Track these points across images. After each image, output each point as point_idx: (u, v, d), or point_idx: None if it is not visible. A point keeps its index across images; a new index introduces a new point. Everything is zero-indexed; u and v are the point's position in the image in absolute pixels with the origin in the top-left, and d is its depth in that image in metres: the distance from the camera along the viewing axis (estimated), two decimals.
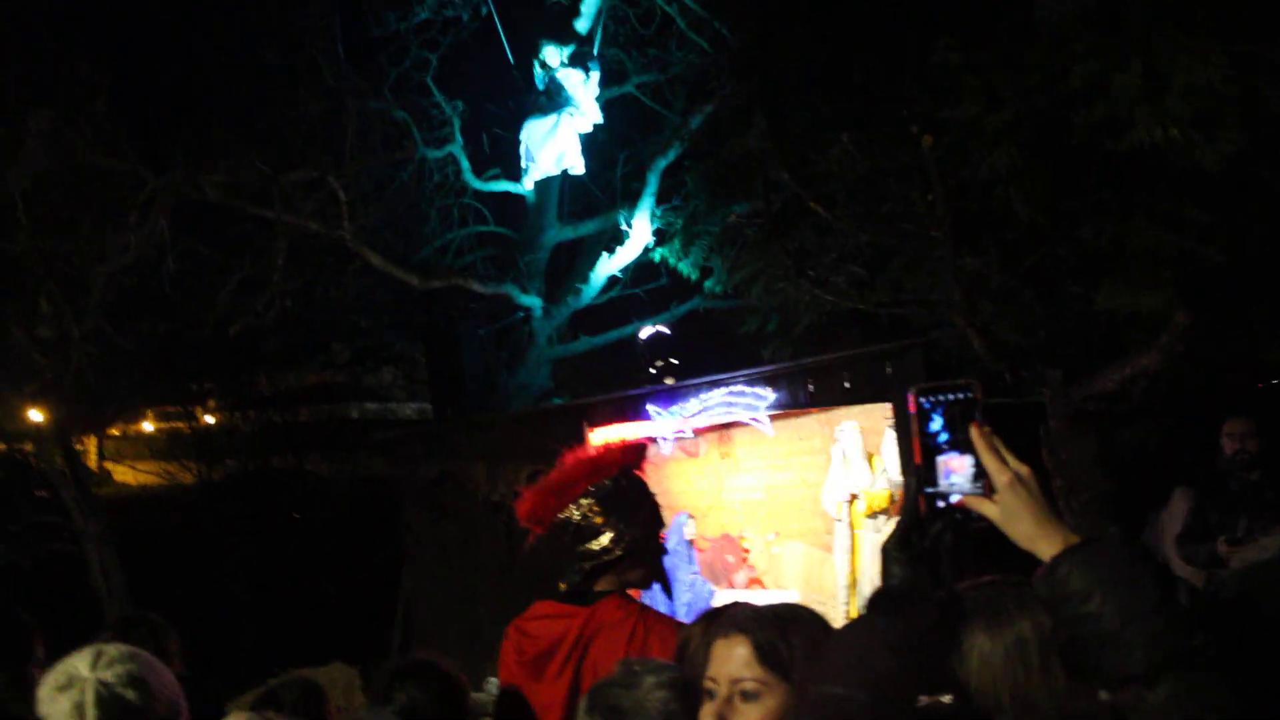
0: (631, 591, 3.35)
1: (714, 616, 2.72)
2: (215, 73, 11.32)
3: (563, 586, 3.29)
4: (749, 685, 1.89)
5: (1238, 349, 6.71)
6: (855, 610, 9.29)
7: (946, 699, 1.83)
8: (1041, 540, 1.65)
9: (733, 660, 1.91)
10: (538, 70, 11.92)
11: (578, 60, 11.92)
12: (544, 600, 3.35)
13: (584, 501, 3.31)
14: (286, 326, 11.24)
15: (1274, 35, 4.63)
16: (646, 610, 3.21)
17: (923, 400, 1.74)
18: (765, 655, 1.90)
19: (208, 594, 14.16)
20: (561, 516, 3.32)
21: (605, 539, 3.25)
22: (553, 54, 11.79)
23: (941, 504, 1.72)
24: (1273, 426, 6.31)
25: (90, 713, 2.21)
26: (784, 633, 1.95)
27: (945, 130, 5.81)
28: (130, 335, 10.36)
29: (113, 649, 2.33)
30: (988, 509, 1.68)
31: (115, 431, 28.42)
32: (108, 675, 2.25)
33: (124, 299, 10.36)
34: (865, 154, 6.55)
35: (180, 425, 24.08)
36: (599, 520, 3.27)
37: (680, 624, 3.16)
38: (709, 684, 1.94)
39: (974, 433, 1.70)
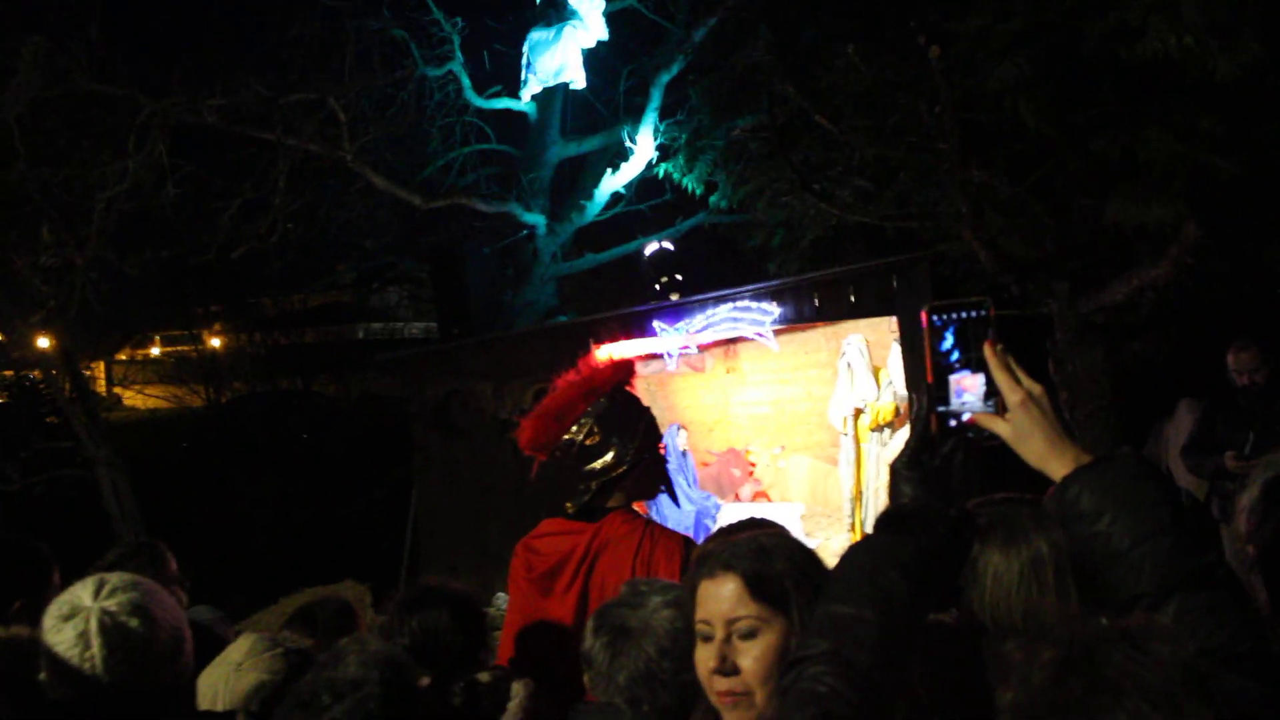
0: (638, 505, 3.40)
1: (728, 532, 2.74)
2: None
3: (570, 507, 3.33)
4: (746, 623, 1.84)
5: (1247, 261, 6.66)
6: (860, 522, 9.39)
7: (947, 617, 1.84)
8: (1053, 459, 1.64)
9: (724, 599, 1.86)
10: None
11: None
12: (552, 518, 3.39)
13: (583, 422, 3.34)
14: (290, 249, 11.19)
15: None
16: (652, 524, 3.26)
17: (935, 318, 1.71)
18: (758, 590, 1.85)
19: (218, 516, 14.31)
20: (564, 439, 3.35)
21: (609, 456, 3.29)
22: None
23: (953, 423, 1.71)
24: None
25: (95, 641, 2.24)
26: (771, 563, 1.89)
27: (953, 41, 5.71)
28: (134, 261, 10.33)
29: (115, 578, 2.35)
30: (999, 427, 1.67)
31: (123, 356, 28.52)
32: (111, 604, 2.27)
33: (126, 225, 10.30)
34: (871, 66, 6.44)
35: (187, 349, 24.17)
36: (599, 439, 3.31)
37: (686, 538, 3.21)
38: (702, 627, 1.89)
39: (987, 351, 1.68)
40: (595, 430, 3.34)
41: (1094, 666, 1.21)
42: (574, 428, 3.36)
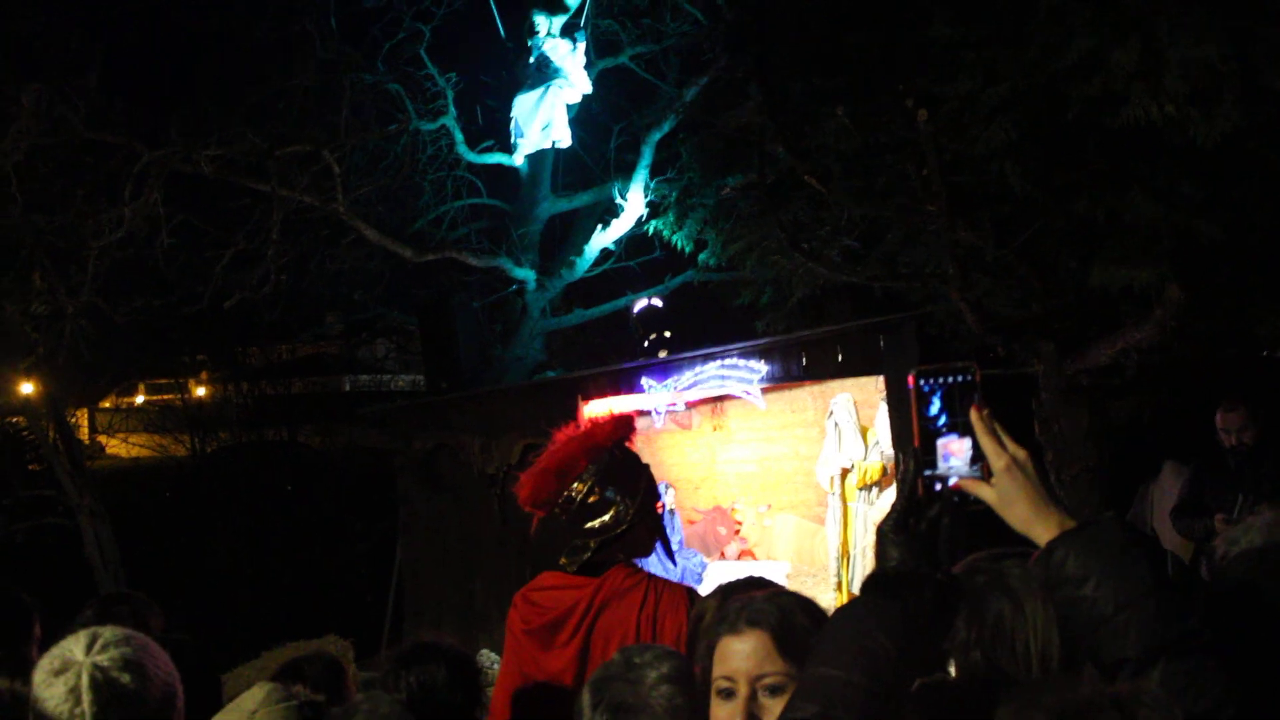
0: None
1: (729, 590, 2.74)
2: (209, 46, 11.28)
3: (566, 563, 3.31)
4: (774, 679, 1.83)
5: (1231, 324, 6.73)
6: (846, 582, 9.35)
7: (946, 674, 1.84)
8: (1038, 524, 1.64)
9: (750, 655, 1.84)
10: (531, 41, 11.85)
11: (566, 31, 11.85)
12: (550, 572, 3.38)
13: (584, 479, 3.33)
14: (281, 300, 11.21)
15: (1271, 12, 4.63)
16: (655, 578, 3.25)
17: (922, 382, 1.73)
18: (785, 646, 1.84)
19: (201, 566, 14.19)
20: (565, 496, 3.34)
21: (609, 515, 3.28)
22: (542, 24, 11.71)
23: (939, 487, 1.72)
24: (1267, 402, 6.31)
25: (85, 697, 2.21)
26: (795, 619, 1.89)
27: (940, 104, 5.80)
28: (124, 309, 10.33)
29: (108, 632, 2.33)
30: (984, 492, 1.68)
31: (107, 404, 28.40)
32: (103, 659, 2.25)
33: (118, 273, 10.32)
34: (860, 128, 6.53)
35: (173, 398, 24.07)
36: (600, 497, 3.30)
37: (690, 589, 3.20)
38: (723, 683, 1.86)
39: (973, 415, 1.70)
40: (596, 488, 3.33)
41: None
42: (575, 485, 3.35)
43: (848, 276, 7.66)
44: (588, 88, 11.82)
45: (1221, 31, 4.51)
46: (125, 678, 2.25)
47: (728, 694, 1.86)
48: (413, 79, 12.02)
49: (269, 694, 2.30)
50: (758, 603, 1.92)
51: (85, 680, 2.22)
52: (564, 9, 11.92)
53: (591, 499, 3.31)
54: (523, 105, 11.65)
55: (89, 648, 2.26)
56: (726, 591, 2.73)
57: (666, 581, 3.25)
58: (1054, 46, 5.06)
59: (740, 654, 1.86)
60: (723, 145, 8.93)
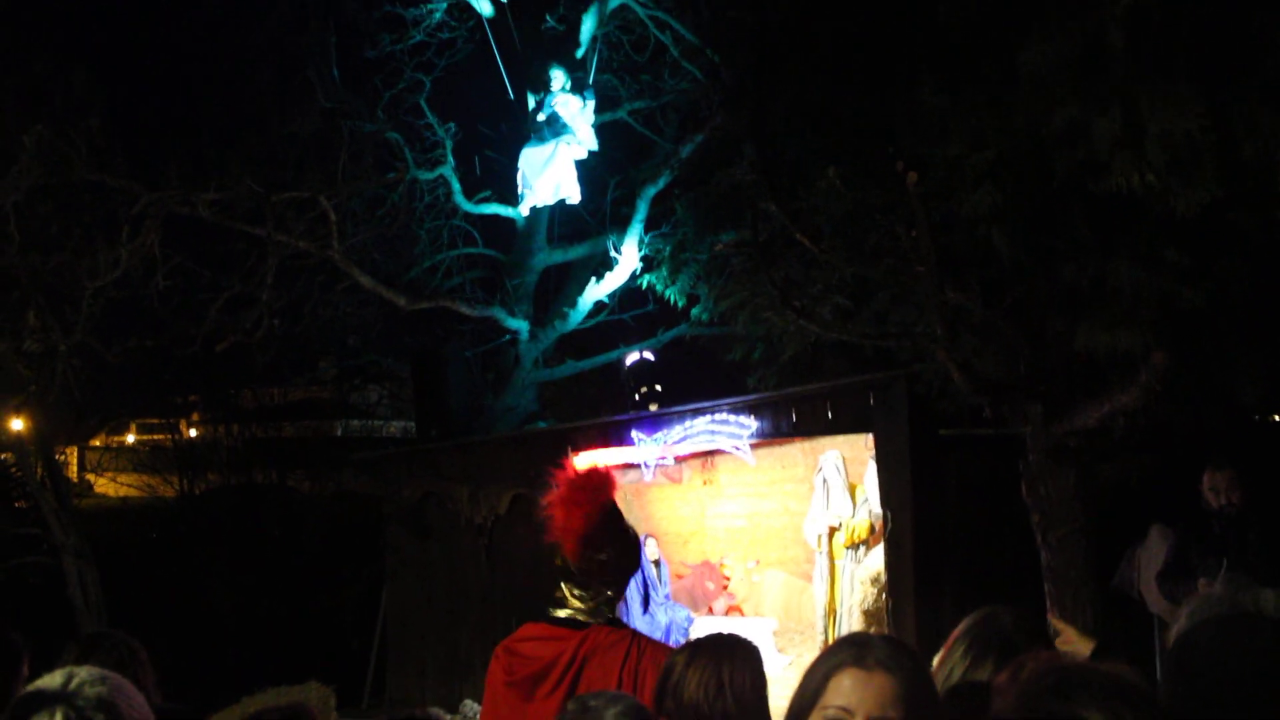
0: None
1: (698, 647, 2.76)
2: (210, 92, 11.42)
3: (556, 613, 3.32)
4: None
5: (1216, 389, 6.77)
6: (832, 639, 9.31)
7: None
8: None
9: (876, 694, 1.86)
10: (537, 96, 11.99)
11: (575, 87, 12.01)
12: (533, 623, 3.39)
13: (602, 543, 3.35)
14: (274, 344, 11.24)
15: (1249, 86, 4.72)
16: (639, 634, 3.28)
17: None
18: (911, 697, 1.87)
19: (186, 608, 14.09)
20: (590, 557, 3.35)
21: (602, 587, 3.32)
22: (558, 78, 11.86)
23: None
24: (1254, 466, 6.35)
25: None
26: (923, 675, 1.93)
27: (930, 168, 5.89)
28: (117, 349, 10.36)
29: (84, 671, 2.32)
30: None
31: (97, 442, 28.29)
32: (78, 699, 2.25)
33: (112, 313, 10.36)
34: (852, 188, 6.62)
35: (163, 438, 24.00)
36: (595, 559, 3.32)
37: (669, 647, 3.22)
38: (838, 713, 1.87)
39: None
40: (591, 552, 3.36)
41: None
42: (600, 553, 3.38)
43: (838, 334, 7.71)
44: (595, 145, 11.95)
45: (1200, 104, 4.60)
46: (99, 717, 2.24)
47: None
48: (412, 128, 12.16)
49: None
50: (893, 647, 1.94)
51: (59, 719, 2.22)
52: (570, 60, 12.07)
53: (601, 557, 3.35)
54: (531, 159, 11.74)
55: (64, 686, 2.27)
56: (696, 647, 2.75)
57: (650, 639, 3.27)
58: (1038, 115, 5.16)
59: (865, 687, 1.88)
60: (717, 202, 9.02)
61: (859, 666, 1.91)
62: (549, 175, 11.61)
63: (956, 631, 2.37)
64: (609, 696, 2.26)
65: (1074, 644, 2.67)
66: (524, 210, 12.31)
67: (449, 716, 3.16)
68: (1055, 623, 2.63)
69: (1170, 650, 2.06)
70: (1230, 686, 1.91)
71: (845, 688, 1.90)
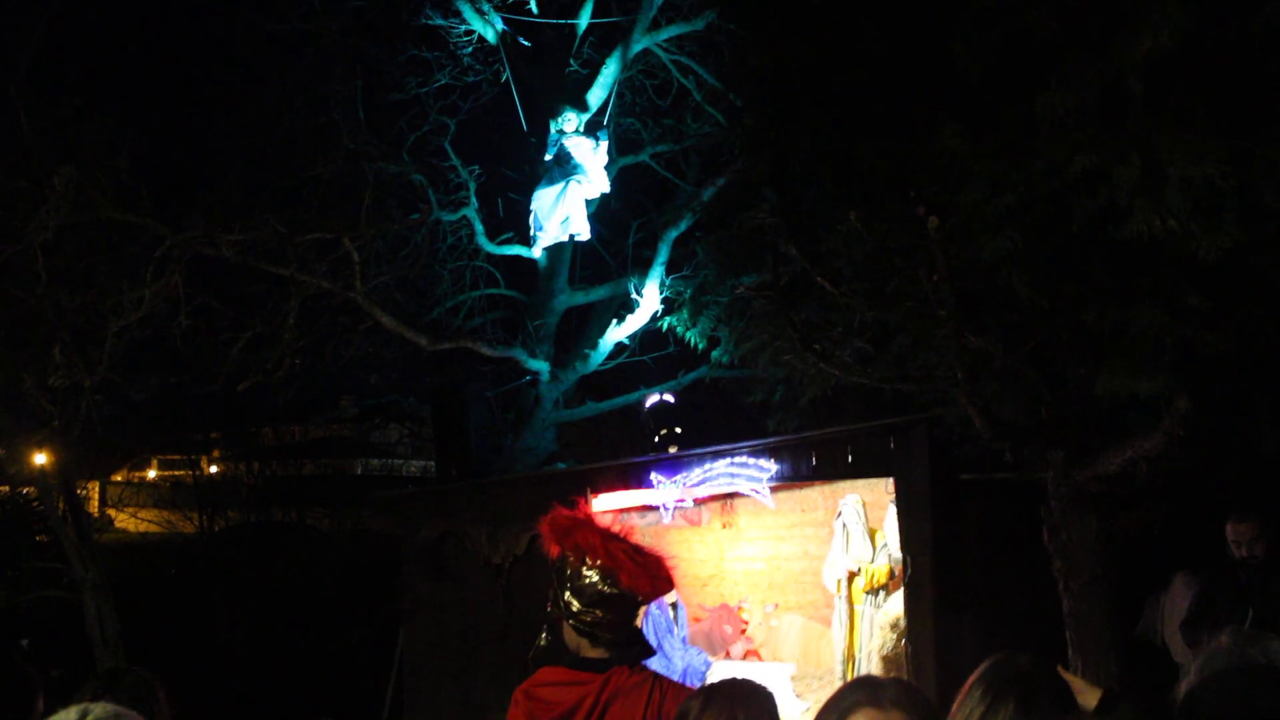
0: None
1: (713, 692, 2.75)
2: (236, 134, 11.56)
3: (595, 653, 3.29)
4: None
5: (1239, 437, 6.72)
6: None
7: None
8: None
9: None
10: (551, 136, 12.10)
11: (589, 129, 12.11)
12: (550, 667, 3.37)
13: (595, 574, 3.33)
14: (295, 382, 11.31)
15: (1270, 132, 4.72)
16: (660, 676, 3.28)
17: None
18: None
19: (203, 645, 14.10)
20: (581, 571, 3.33)
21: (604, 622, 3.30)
22: (571, 120, 11.97)
23: None
24: (1277, 515, 6.29)
25: None
26: (934, 716, 1.96)
27: (950, 212, 5.90)
28: (140, 387, 10.44)
29: (99, 708, 2.33)
30: None
31: (119, 478, 28.45)
32: None
33: (136, 351, 10.46)
34: (872, 232, 6.62)
35: (183, 474, 24.13)
36: (601, 593, 3.30)
37: (691, 690, 3.20)
38: None
39: None
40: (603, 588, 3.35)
41: None
42: (591, 570, 3.36)
43: (858, 378, 7.70)
44: (606, 187, 12.02)
45: (1221, 150, 4.60)
46: None
47: None
48: (436, 170, 12.28)
49: None
50: (905, 687, 1.99)
51: None
52: (584, 106, 12.18)
53: (592, 591, 3.33)
54: (542, 199, 11.84)
55: None
56: (711, 692, 2.74)
57: (671, 681, 3.27)
58: (1058, 162, 5.17)
59: None
60: (738, 245, 9.04)
61: (874, 706, 1.93)
62: (558, 212, 11.68)
63: (974, 675, 2.36)
64: None
65: (1083, 694, 2.66)
66: (536, 251, 12.37)
67: None
68: (1061, 673, 2.62)
69: (1180, 704, 2.05)
70: None
71: None
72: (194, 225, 9.95)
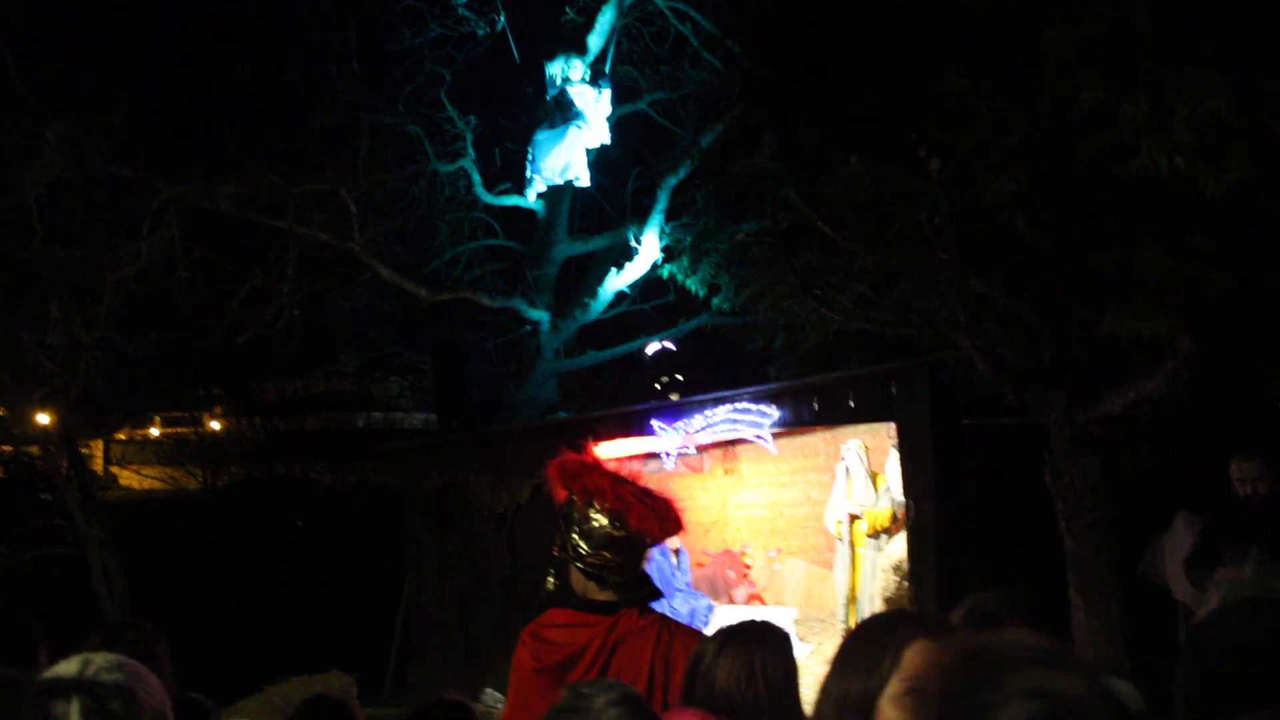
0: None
1: (729, 634, 2.75)
2: (232, 87, 11.44)
3: (603, 595, 3.30)
4: None
5: (1244, 377, 6.71)
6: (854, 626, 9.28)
7: None
8: None
9: None
10: (549, 77, 11.97)
11: (592, 78, 11.98)
12: (559, 609, 3.37)
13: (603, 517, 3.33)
14: (295, 335, 11.28)
15: (1278, 67, 4.66)
16: (668, 619, 3.27)
17: None
18: None
19: (209, 599, 14.18)
20: (589, 514, 3.33)
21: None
22: (576, 67, 11.84)
23: None
24: None
25: None
26: None
27: (952, 155, 5.85)
28: (139, 342, 10.41)
29: (100, 658, 2.32)
30: None
31: (122, 436, 28.46)
32: (96, 687, 2.24)
33: (134, 306, 10.41)
34: (873, 176, 6.57)
35: (186, 431, 24.17)
36: (609, 536, 3.30)
37: (699, 633, 3.20)
38: (922, 682, 1.88)
39: None
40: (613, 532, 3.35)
41: None
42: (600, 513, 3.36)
43: (860, 323, 7.68)
44: (607, 138, 11.92)
45: (1229, 86, 4.55)
46: (116, 704, 2.24)
47: (921, 694, 1.86)
48: (432, 121, 12.15)
49: None
50: (940, 618, 2.01)
51: (75, 706, 2.22)
52: (583, 50, 12.04)
53: (601, 531, 3.33)
54: (541, 142, 11.75)
55: (80, 673, 2.26)
56: (727, 635, 2.73)
57: (679, 623, 3.26)
58: (1063, 100, 5.11)
59: None
60: (737, 191, 8.99)
61: (928, 637, 1.94)
62: (558, 155, 11.59)
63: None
64: (603, 685, 2.24)
65: None
66: (531, 195, 12.28)
67: (476, 705, 3.17)
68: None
69: (1192, 630, 2.04)
70: (1243, 668, 1.90)
71: (923, 657, 1.92)
72: (190, 179, 9.87)
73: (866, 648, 2.00)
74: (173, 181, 9.89)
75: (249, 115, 11.08)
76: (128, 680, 2.28)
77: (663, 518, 3.37)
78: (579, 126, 11.61)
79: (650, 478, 3.57)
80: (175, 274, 9.92)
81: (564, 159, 11.66)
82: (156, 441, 28.51)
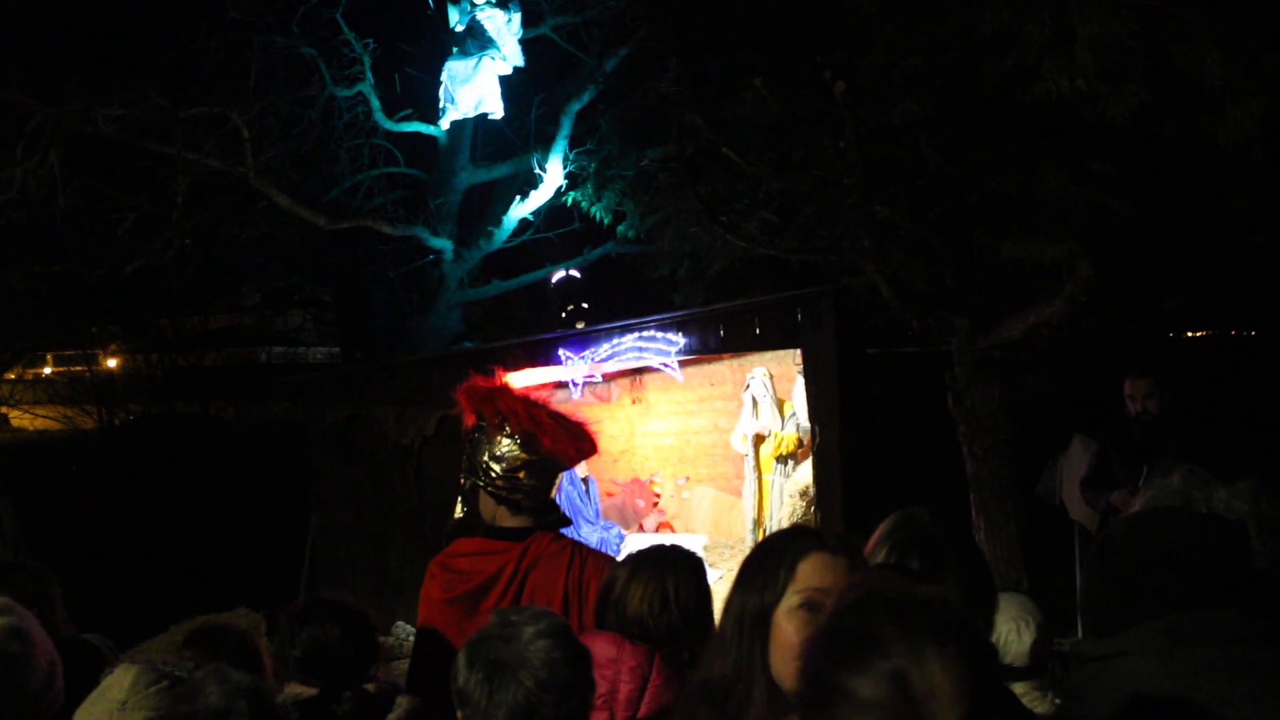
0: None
1: (640, 560, 2.72)
2: (113, 2, 10.89)
3: (521, 521, 3.26)
4: None
5: (1140, 302, 6.84)
6: None
7: None
8: None
9: (844, 577, 1.91)
10: (456, 7, 11.62)
11: (501, 0, 11.66)
12: (466, 538, 3.33)
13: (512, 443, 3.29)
14: (189, 267, 10.89)
15: None
16: (580, 544, 3.26)
17: None
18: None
19: (111, 541, 13.86)
20: (499, 438, 3.28)
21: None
22: None
23: None
24: (1173, 377, 6.44)
25: None
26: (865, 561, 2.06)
27: (857, 77, 5.80)
28: (20, 275, 9.96)
29: None
30: None
31: (11, 375, 27.52)
32: None
33: (14, 237, 9.94)
34: (778, 99, 6.51)
35: (81, 369, 23.46)
36: (521, 459, 3.26)
37: (611, 557, 3.19)
38: (815, 595, 1.91)
39: None
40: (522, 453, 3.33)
41: None
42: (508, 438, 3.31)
43: (765, 249, 7.66)
44: (520, 61, 11.62)
45: (1130, 9, 4.55)
46: (13, 646, 2.19)
47: (816, 607, 1.90)
48: (328, 44, 11.72)
49: (136, 678, 2.13)
50: (840, 535, 2.03)
51: None
52: None
53: (510, 454, 3.29)
54: (454, 72, 11.40)
55: None
56: (639, 561, 2.71)
57: (590, 549, 3.26)
58: (967, 21, 5.07)
59: (834, 570, 1.94)
60: (641, 117, 8.88)
61: (823, 550, 1.95)
62: (471, 88, 11.29)
63: (878, 533, 2.36)
64: (532, 613, 2.20)
65: None
66: (444, 124, 11.98)
67: (348, 596, 3.15)
68: None
69: (1100, 537, 2.06)
70: (1149, 578, 1.92)
71: (818, 570, 1.94)
72: (69, 100, 9.37)
73: (765, 563, 2.00)
74: (49, 103, 9.38)
75: (131, 34, 10.57)
76: (21, 622, 2.24)
77: (577, 438, 3.35)
78: (492, 57, 11.29)
79: (559, 406, 3.53)
80: (56, 202, 9.45)
81: (477, 93, 11.35)
82: (49, 380, 27.62)
